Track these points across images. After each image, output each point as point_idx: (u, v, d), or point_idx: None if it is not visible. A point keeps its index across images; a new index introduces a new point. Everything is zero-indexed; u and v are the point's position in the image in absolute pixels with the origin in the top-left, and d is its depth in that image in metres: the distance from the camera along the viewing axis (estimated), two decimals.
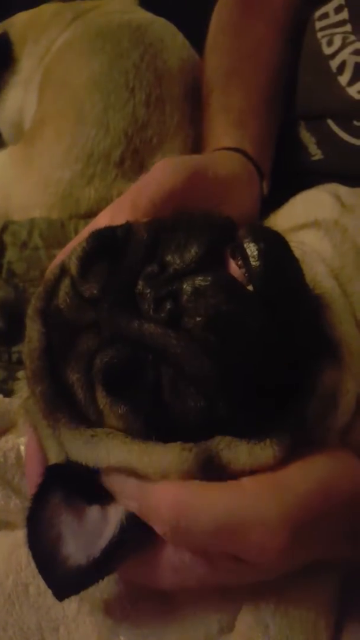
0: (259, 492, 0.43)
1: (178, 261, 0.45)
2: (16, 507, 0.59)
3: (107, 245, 0.49)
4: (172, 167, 0.59)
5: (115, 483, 0.46)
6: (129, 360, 0.44)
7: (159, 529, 0.44)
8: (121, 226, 0.50)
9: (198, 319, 0.43)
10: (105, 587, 0.53)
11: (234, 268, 0.45)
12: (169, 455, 0.43)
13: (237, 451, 0.44)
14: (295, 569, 0.47)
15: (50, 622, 0.52)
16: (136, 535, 0.46)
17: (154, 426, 0.44)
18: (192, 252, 0.45)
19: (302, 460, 0.45)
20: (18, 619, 0.52)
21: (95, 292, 0.47)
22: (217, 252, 0.45)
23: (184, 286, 0.44)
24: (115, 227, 0.50)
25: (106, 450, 0.45)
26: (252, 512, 0.42)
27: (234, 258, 0.45)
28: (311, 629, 0.49)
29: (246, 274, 0.44)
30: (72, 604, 0.53)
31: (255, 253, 0.44)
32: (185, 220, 0.48)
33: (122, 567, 0.48)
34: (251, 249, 0.44)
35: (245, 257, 0.44)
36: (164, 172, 0.58)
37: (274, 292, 0.44)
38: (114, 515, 0.47)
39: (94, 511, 0.47)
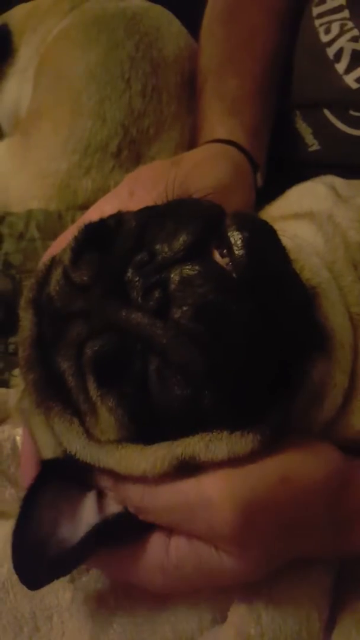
0: (212, 476, 0.45)
1: (167, 249, 0.45)
2: (11, 496, 0.59)
3: (98, 235, 0.49)
4: (160, 190, 0.55)
5: (102, 480, 0.47)
6: (117, 350, 0.44)
7: (131, 508, 0.47)
8: (112, 216, 0.50)
9: (185, 308, 0.43)
10: (100, 576, 0.53)
11: (219, 257, 0.45)
12: (142, 464, 0.45)
13: (215, 450, 0.44)
14: (282, 562, 0.48)
15: (44, 610, 0.53)
16: (122, 527, 0.47)
17: (140, 417, 0.44)
18: (181, 240, 0.44)
19: (271, 450, 0.45)
20: (12, 607, 0.53)
21: (85, 278, 0.47)
22: (205, 241, 0.45)
23: (172, 275, 0.44)
24: (106, 217, 0.50)
25: (93, 452, 0.46)
26: (200, 492, 0.44)
27: (218, 247, 0.45)
28: (304, 620, 0.49)
29: (230, 263, 0.44)
30: (66, 592, 0.53)
31: (239, 242, 0.44)
32: (174, 208, 0.48)
33: (112, 567, 0.49)
34: (235, 238, 0.44)
35: (229, 246, 0.44)
36: (150, 195, 0.55)
37: (257, 280, 0.44)
38: (109, 507, 0.47)
39: (89, 500, 0.47)
